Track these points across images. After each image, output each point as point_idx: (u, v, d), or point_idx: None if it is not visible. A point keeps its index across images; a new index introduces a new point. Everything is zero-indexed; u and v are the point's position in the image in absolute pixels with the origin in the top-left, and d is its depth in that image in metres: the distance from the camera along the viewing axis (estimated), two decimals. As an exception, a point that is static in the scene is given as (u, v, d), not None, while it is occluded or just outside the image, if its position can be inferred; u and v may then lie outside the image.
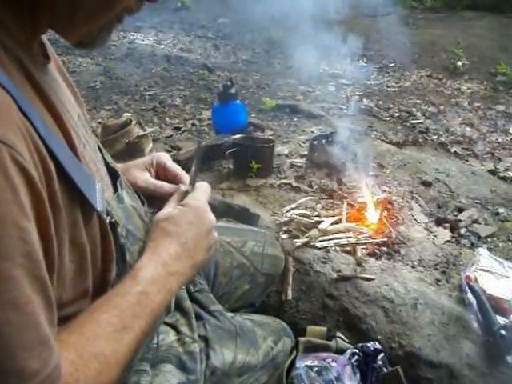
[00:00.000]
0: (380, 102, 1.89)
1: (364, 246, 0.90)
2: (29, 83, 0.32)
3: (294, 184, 1.12)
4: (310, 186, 1.12)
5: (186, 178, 0.53)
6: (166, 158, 0.56)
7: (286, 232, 0.94)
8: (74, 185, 0.33)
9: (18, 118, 0.28)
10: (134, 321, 0.36)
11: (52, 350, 0.28)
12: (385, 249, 0.91)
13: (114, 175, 0.45)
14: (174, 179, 0.54)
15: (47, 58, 0.38)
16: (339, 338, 0.76)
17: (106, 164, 0.45)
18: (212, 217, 0.45)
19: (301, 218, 0.95)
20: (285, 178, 1.17)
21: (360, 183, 1.07)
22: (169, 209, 0.45)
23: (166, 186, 0.53)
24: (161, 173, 0.55)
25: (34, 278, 0.27)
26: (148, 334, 0.39)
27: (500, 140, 1.57)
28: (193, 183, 0.49)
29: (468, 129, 1.65)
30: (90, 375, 0.31)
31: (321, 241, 0.90)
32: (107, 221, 0.37)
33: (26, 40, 0.34)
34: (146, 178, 0.53)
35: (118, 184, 0.44)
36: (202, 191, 0.47)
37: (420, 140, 1.54)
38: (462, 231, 0.98)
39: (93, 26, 0.36)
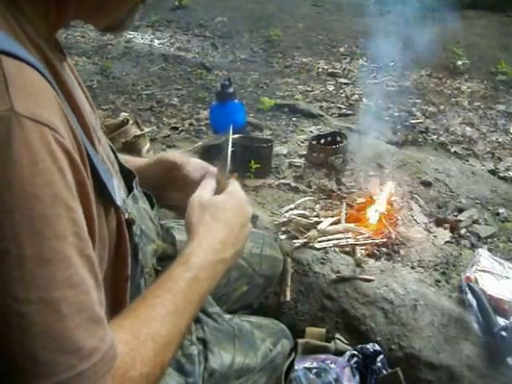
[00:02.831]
0: (379, 102, 1.88)
1: (363, 247, 0.90)
2: (51, 74, 0.31)
3: (293, 184, 1.12)
4: (309, 186, 1.12)
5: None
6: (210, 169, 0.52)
7: (284, 232, 0.93)
8: (98, 175, 0.32)
9: (57, 102, 0.28)
10: (186, 305, 0.36)
11: (106, 329, 0.29)
12: (384, 249, 0.90)
13: (128, 175, 0.44)
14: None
15: (63, 54, 0.38)
16: (338, 339, 0.76)
17: (119, 163, 0.44)
18: (250, 207, 0.45)
19: (299, 218, 0.94)
20: (283, 178, 1.16)
21: (370, 183, 1.06)
22: (206, 194, 0.44)
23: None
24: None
25: (84, 257, 0.27)
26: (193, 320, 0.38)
27: (500, 140, 1.57)
28: (226, 172, 0.47)
29: (468, 128, 1.64)
30: (146, 355, 0.31)
31: (320, 241, 0.90)
32: (125, 217, 0.37)
33: (47, 31, 0.33)
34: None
35: (134, 184, 0.44)
36: (237, 183, 0.47)
37: (420, 140, 1.54)
38: (462, 232, 0.98)
39: (122, 11, 0.36)
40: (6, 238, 0.24)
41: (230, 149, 0.49)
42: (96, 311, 0.28)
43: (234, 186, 0.46)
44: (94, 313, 0.28)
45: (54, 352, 0.25)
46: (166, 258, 0.47)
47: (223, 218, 0.42)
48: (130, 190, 0.43)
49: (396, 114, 1.77)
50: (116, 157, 0.44)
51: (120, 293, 0.38)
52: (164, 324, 0.33)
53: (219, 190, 0.46)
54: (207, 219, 0.42)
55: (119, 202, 0.36)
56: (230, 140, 0.50)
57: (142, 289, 0.43)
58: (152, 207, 0.49)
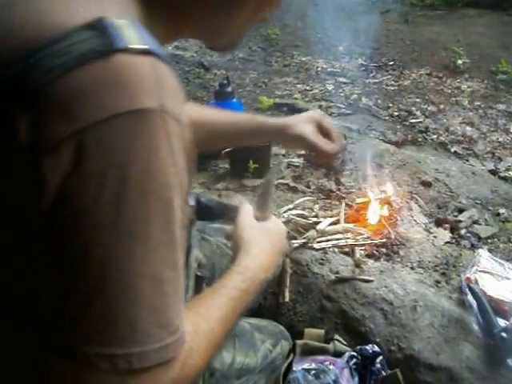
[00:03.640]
0: (379, 101, 1.87)
1: (362, 247, 0.89)
2: None
3: (292, 184, 1.11)
4: (308, 187, 1.11)
5: (337, 137, 0.66)
6: (322, 116, 0.67)
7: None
8: None
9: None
10: (234, 313, 0.39)
11: (184, 312, 0.31)
12: (384, 250, 0.90)
13: None
14: (328, 137, 0.65)
15: None
16: (337, 340, 0.75)
17: None
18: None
19: (298, 218, 0.94)
20: (282, 178, 1.15)
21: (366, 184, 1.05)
22: (252, 218, 0.49)
23: (329, 144, 0.65)
24: (318, 129, 0.66)
25: (182, 244, 0.30)
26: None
27: (501, 139, 1.56)
28: (267, 207, 0.53)
29: (468, 128, 1.63)
30: (200, 350, 0.33)
31: (319, 242, 0.89)
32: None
33: (160, 43, 0.34)
34: (315, 133, 0.64)
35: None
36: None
37: (419, 139, 1.53)
38: (462, 232, 0.97)
39: (240, 34, 0.40)
40: (138, 219, 0.26)
41: (273, 189, 0.57)
42: (182, 294, 0.31)
43: (274, 217, 0.52)
44: (181, 295, 0.30)
45: (151, 324, 0.28)
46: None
47: (271, 242, 0.47)
48: None
49: (396, 113, 1.76)
50: None
51: None
52: (217, 325, 0.36)
53: (259, 218, 0.50)
54: (260, 239, 0.46)
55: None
56: (274, 181, 0.60)
57: (189, 290, 0.47)
58: None
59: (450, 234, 0.96)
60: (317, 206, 1.01)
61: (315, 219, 0.94)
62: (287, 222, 0.94)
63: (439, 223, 0.99)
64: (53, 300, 0.27)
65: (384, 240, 0.91)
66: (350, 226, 0.93)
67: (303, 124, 0.64)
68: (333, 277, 0.83)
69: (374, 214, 0.96)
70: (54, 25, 0.27)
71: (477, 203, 1.09)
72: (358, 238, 0.90)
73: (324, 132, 0.66)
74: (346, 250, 0.89)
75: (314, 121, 0.66)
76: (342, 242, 0.89)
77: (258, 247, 0.45)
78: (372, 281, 0.82)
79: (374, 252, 0.89)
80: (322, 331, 0.78)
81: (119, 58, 0.26)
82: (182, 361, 0.31)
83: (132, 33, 0.27)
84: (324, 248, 0.88)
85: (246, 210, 0.50)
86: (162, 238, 0.28)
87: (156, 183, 0.27)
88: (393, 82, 2.12)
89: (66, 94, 0.25)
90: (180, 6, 0.34)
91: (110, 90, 0.26)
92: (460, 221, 1.00)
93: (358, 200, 1.01)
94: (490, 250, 0.91)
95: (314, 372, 0.70)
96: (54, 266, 0.26)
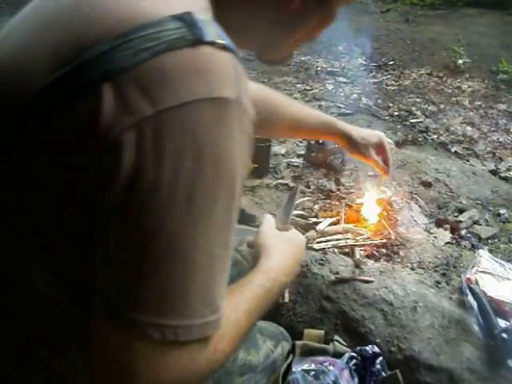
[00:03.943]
0: (379, 101, 1.87)
1: (362, 248, 0.89)
2: None
3: (291, 184, 1.11)
4: (308, 187, 1.10)
5: (391, 162, 0.77)
6: (386, 139, 0.77)
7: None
8: None
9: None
10: (257, 309, 0.40)
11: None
12: (384, 250, 0.89)
13: None
14: (383, 160, 0.77)
15: None
16: (337, 341, 0.75)
17: None
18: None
19: (298, 218, 0.94)
20: (281, 178, 1.15)
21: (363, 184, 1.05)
22: (275, 228, 0.52)
23: (379, 162, 0.77)
24: (378, 149, 0.76)
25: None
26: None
27: (501, 139, 1.56)
28: (288, 220, 0.57)
29: (469, 128, 1.63)
30: (227, 338, 0.34)
31: (318, 242, 0.89)
32: None
33: None
34: (371, 155, 0.75)
35: None
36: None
37: (420, 139, 1.53)
38: (463, 232, 0.97)
39: (293, 50, 0.43)
40: (208, 198, 0.28)
41: (295, 202, 0.61)
42: (227, 275, 0.31)
43: (295, 230, 0.54)
44: (227, 276, 0.31)
45: (198, 300, 0.29)
46: None
47: (292, 250, 0.49)
48: None
49: (396, 113, 1.76)
50: None
51: None
52: (243, 317, 0.37)
53: (281, 230, 0.53)
54: (282, 246, 0.48)
55: None
56: (297, 195, 0.64)
57: None
58: None
59: (451, 235, 0.96)
60: (316, 207, 1.01)
61: (315, 219, 0.94)
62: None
63: (439, 224, 0.99)
64: (115, 273, 0.28)
65: (384, 240, 0.90)
66: (350, 226, 0.93)
67: (367, 143, 0.74)
68: (333, 277, 0.83)
69: (374, 214, 0.96)
70: (143, 13, 0.28)
71: (477, 203, 1.08)
72: (357, 238, 0.90)
73: (382, 154, 0.77)
74: (346, 250, 0.88)
75: (378, 144, 0.76)
76: (341, 243, 0.89)
77: (280, 253, 0.47)
78: (372, 281, 0.81)
79: (374, 252, 0.89)
80: (322, 332, 0.78)
81: (206, 49, 0.28)
82: (214, 345, 0.32)
83: (215, 29, 0.29)
84: (324, 248, 0.88)
85: (269, 220, 0.54)
86: (223, 219, 0.29)
87: (227, 168, 0.29)
88: (393, 82, 2.12)
89: (154, 74, 0.27)
90: (244, 17, 0.36)
91: (196, 76, 0.27)
92: (460, 221, 1.00)
93: (358, 200, 1.01)
94: (490, 251, 0.91)
95: (313, 373, 0.69)
96: (123, 242, 0.28)
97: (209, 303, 0.30)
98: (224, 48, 0.29)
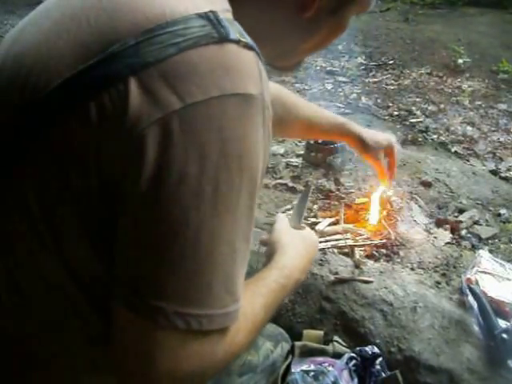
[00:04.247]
0: (379, 101, 1.86)
1: (362, 248, 0.89)
2: None
3: (290, 184, 1.10)
4: (307, 187, 1.10)
5: (395, 165, 0.80)
6: (396, 143, 0.79)
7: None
8: None
9: None
10: (272, 304, 0.41)
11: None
12: (383, 251, 0.89)
13: None
14: (390, 163, 0.79)
15: None
16: (336, 341, 0.75)
17: None
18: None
19: (298, 219, 0.93)
20: (280, 178, 1.15)
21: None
22: (290, 228, 0.53)
23: (384, 168, 0.79)
24: (386, 152, 0.78)
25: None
26: None
27: (502, 139, 1.55)
28: (301, 219, 0.58)
29: (469, 128, 1.63)
30: (244, 331, 0.35)
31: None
32: None
33: None
34: (381, 158, 0.77)
35: None
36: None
37: (420, 139, 1.52)
38: (463, 233, 0.97)
39: (304, 58, 0.44)
40: (233, 190, 0.29)
41: (307, 202, 0.62)
42: (246, 267, 0.32)
43: (308, 229, 0.56)
44: (245, 267, 0.32)
45: (222, 289, 0.30)
46: None
47: (306, 248, 0.50)
48: None
49: (395, 112, 1.75)
50: None
51: None
52: (260, 311, 0.38)
53: (294, 228, 0.54)
54: (296, 243, 0.49)
55: None
56: (309, 195, 0.67)
57: None
58: None
59: (451, 235, 0.95)
60: (316, 207, 1.00)
61: (314, 219, 0.94)
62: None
63: (439, 224, 0.98)
64: (140, 263, 0.29)
65: (384, 241, 0.90)
66: (350, 226, 0.92)
67: (379, 147, 0.76)
68: (332, 278, 0.82)
69: (374, 214, 0.95)
70: (169, 10, 0.29)
71: (477, 204, 1.08)
72: (357, 238, 0.90)
73: (390, 158, 0.79)
74: (346, 250, 0.88)
75: (388, 147, 0.77)
76: (341, 243, 0.88)
77: (294, 250, 0.48)
78: (372, 282, 0.81)
79: (374, 253, 0.88)
80: (321, 332, 0.77)
81: (231, 47, 0.29)
82: (231, 337, 0.32)
83: (238, 28, 0.30)
84: (323, 249, 0.87)
85: (282, 219, 0.54)
86: (245, 212, 0.30)
87: (250, 161, 0.30)
88: (393, 82, 2.12)
89: (181, 69, 0.28)
90: (260, 23, 0.36)
91: (222, 72, 0.28)
92: (460, 221, 0.99)
93: (358, 200, 1.01)
94: (490, 251, 0.90)
95: (312, 373, 0.69)
96: (149, 232, 0.28)
97: (231, 293, 0.30)
98: (247, 46, 0.30)
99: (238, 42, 0.29)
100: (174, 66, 0.28)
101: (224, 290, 0.30)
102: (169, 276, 0.28)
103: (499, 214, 1.05)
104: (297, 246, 0.48)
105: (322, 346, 0.74)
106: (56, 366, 0.34)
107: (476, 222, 1.01)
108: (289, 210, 0.99)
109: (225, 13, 0.31)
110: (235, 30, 0.30)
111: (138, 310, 0.28)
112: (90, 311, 0.32)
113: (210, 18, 0.29)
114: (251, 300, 0.37)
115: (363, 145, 0.75)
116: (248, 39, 0.30)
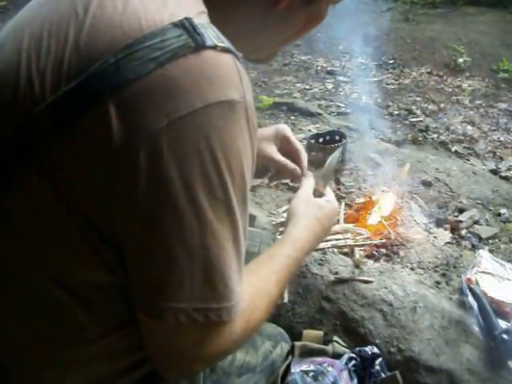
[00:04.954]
0: (379, 100, 1.86)
1: (362, 248, 0.88)
2: None
3: (291, 184, 1.10)
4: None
5: (304, 155, 0.61)
6: (289, 131, 0.63)
7: (282, 233, 0.91)
8: None
9: None
10: (287, 277, 0.44)
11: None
12: (383, 250, 0.89)
13: None
14: (294, 153, 0.61)
15: None
16: (336, 342, 0.75)
17: None
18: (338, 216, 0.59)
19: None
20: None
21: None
22: (310, 193, 0.54)
23: (289, 164, 0.60)
24: (284, 146, 0.61)
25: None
26: None
27: (502, 139, 1.55)
28: (327, 182, 0.56)
29: (469, 127, 1.62)
30: (261, 308, 0.38)
31: (318, 242, 0.89)
32: None
33: None
34: (275, 153, 0.60)
35: None
36: (332, 193, 0.58)
37: (420, 138, 1.52)
38: (463, 232, 0.97)
39: (279, 49, 0.44)
40: (227, 193, 0.30)
41: (335, 167, 0.61)
42: (243, 262, 0.34)
43: (331, 195, 0.56)
44: (242, 263, 0.34)
45: (235, 281, 0.32)
46: None
47: (322, 219, 0.52)
48: None
49: (396, 112, 1.75)
50: None
51: None
52: (274, 288, 0.41)
53: (317, 193, 0.55)
54: (311, 214, 0.51)
55: None
56: (338, 160, 0.63)
57: None
58: None
59: (451, 235, 0.95)
60: (316, 206, 1.00)
61: (314, 219, 0.94)
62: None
63: (439, 223, 0.98)
64: (153, 274, 0.31)
65: (384, 240, 0.90)
66: (350, 226, 0.92)
67: (264, 144, 0.59)
68: (332, 277, 0.82)
69: (374, 214, 0.95)
70: (146, 23, 0.29)
71: (477, 203, 1.08)
72: (357, 238, 0.90)
73: (291, 147, 0.60)
74: (346, 250, 0.88)
75: (278, 137, 0.60)
76: (341, 243, 0.88)
77: (309, 222, 0.50)
78: (371, 282, 0.81)
79: (374, 252, 0.88)
80: (321, 332, 0.77)
81: (208, 53, 0.29)
82: (248, 315, 0.35)
83: (214, 32, 0.31)
84: (323, 248, 0.87)
85: (308, 182, 0.56)
86: (240, 209, 0.32)
87: (239, 164, 0.31)
88: (393, 81, 2.11)
89: (162, 85, 0.28)
90: (234, 20, 0.36)
91: (203, 82, 0.29)
92: (460, 221, 0.99)
93: (358, 200, 1.01)
94: (490, 251, 0.90)
95: (312, 374, 0.69)
96: (155, 246, 0.30)
97: (239, 282, 0.33)
98: (224, 50, 0.30)
99: (214, 47, 0.29)
100: (156, 82, 0.28)
101: (237, 281, 0.32)
102: (184, 281, 0.30)
103: (499, 214, 1.05)
104: (310, 216, 0.50)
105: (322, 346, 0.74)
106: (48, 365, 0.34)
107: (476, 222, 1.01)
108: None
109: (200, 16, 0.31)
110: (211, 35, 0.30)
111: (161, 316, 0.31)
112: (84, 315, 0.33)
113: (186, 26, 0.29)
114: (266, 278, 0.40)
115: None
116: (225, 42, 0.30)
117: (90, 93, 0.28)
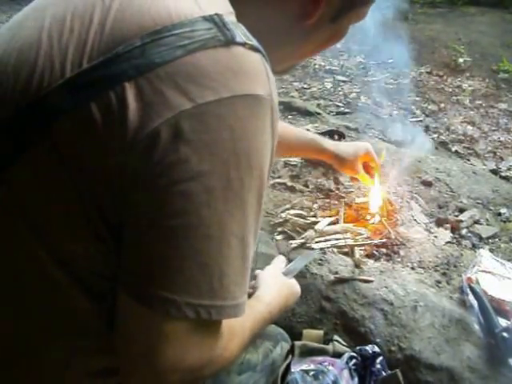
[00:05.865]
0: (378, 100, 1.86)
1: (362, 248, 0.88)
2: None
3: (289, 183, 1.10)
4: (306, 186, 1.10)
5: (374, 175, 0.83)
6: (371, 149, 0.83)
7: (280, 233, 0.92)
8: None
9: None
10: (257, 332, 0.44)
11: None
12: (384, 250, 0.89)
13: None
14: (372, 168, 0.85)
15: None
16: (336, 341, 0.75)
17: None
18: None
19: (296, 218, 0.93)
20: (279, 177, 1.14)
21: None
22: (279, 270, 0.58)
23: (365, 175, 0.84)
24: (365, 159, 0.83)
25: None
26: None
27: (502, 139, 1.55)
28: (293, 273, 0.62)
29: (469, 127, 1.62)
30: (236, 341, 0.37)
31: (317, 242, 0.88)
32: None
33: None
34: (358, 166, 0.82)
35: None
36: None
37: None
38: (463, 232, 0.97)
39: (299, 62, 0.46)
40: (243, 187, 0.30)
41: (306, 264, 0.73)
42: (251, 261, 0.33)
43: (295, 281, 0.59)
44: (251, 262, 0.33)
45: (232, 282, 0.31)
46: None
47: (286, 294, 0.55)
48: None
49: (395, 112, 1.75)
50: None
51: None
52: (248, 332, 0.40)
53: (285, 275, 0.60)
54: (281, 289, 0.54)
55: None
56: (306, 262, 0.74)
57: None
58: None
59: (451, 234, 0.95)
60: (315, 206, 1.00)
61: (314, 219, 0.94)
62: (285, 222, 0.93)
63: (440, 223, 0.98)
64: (152, 257, 0.29)
65: (384, 240, 0.90)
66: (350, 225, 0.92)
67: (355, 159, 0.80)
68: (332, 277, 0.82)
69: (374, 213, 0.95)
70: (175, 13, 0.29)
71: (478, 203, 1.08)
72: (357, 238, 0.89)
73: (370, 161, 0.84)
74: (346, 250, 0.88)
75: (365, 155, 0.81)
76: (341, 242, 0.88)
77: (277, 293, 0.53)
78: (372, 281, 0.81)
79: (374, 252, 0.88)
80: (321, 332, 0.77)
81: (238, 49, 0.29)
82: (226, 341, 0.34)
83: (244, 31, 0.31)
84: (323, 248, 0.87)
85: (279, 262, 0.60)
86: (254, 208, 0.31)
87: (258, 160, 0.30)
88: (392, 81, 2.11)
89: (190, 71, 0.28)
90: (262, 27, 0.36)
91: (230, 74, 0.29)
92: (461, 221, 0.99)
93: (358, 199, 1.01)
94: (491, 250, 0.90)
95: (312, 373, 0.69)
96: (161, 228, 0.29)
97: (240, 285, 0.32)
98: (253, 48, 0.30)
99: (244, 44, 0.29)
100: (182, 68, 0.28)
101: (235, 282, 0.31)
102: (182, 270, 0.29)
103: (499, 214, 1.05)
104: (280, 290, 0.53)
105: (322, 346, 0.74)
106: (45, 362, 0.34)
107: (476, 222, 1.00)
108: (288, 209, 0.98)
109: (229, 15, 0.31)
110: (241, 33, 0.30)
111: (150, 304, 0.29)
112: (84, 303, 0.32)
113: (216, 21, 0.29)
114: (241, 320, 0.37)
115: (340, 159, 0.79)
116: (254, 41, 0.31)
117: (111, 72, 0.27)
